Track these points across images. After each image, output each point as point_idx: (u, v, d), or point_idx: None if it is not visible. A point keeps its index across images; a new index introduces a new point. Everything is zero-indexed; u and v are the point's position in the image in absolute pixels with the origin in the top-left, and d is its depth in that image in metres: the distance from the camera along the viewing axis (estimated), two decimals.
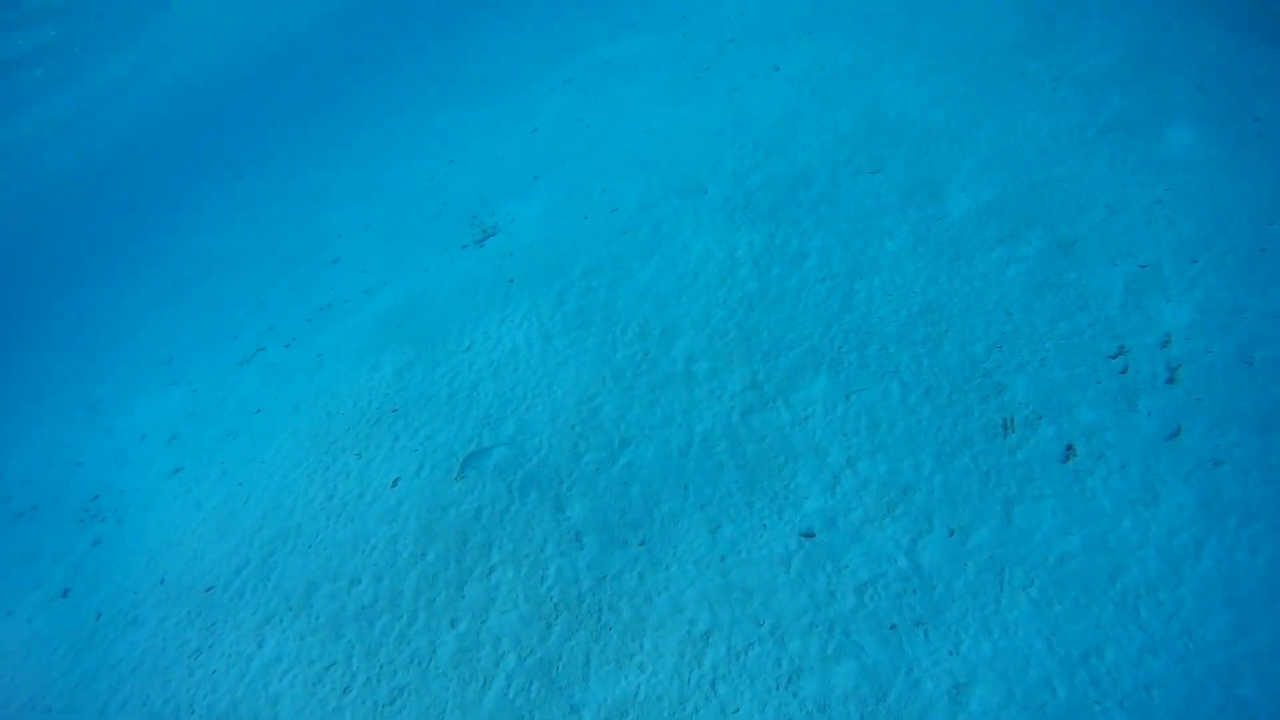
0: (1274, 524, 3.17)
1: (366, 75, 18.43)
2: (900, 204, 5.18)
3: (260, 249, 10.52)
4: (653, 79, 8.78)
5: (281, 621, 4.43)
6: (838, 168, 5.68)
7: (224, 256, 11.20)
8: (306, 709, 3.97)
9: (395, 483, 4.83)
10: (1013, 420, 3.78)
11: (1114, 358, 3.89)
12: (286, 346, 7.02)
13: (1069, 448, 3.61)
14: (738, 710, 3.27)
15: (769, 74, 7.47)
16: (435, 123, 11.70)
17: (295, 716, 3.96)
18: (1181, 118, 5.09)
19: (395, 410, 5.38)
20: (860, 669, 3.22)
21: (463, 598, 4.08)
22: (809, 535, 3.66)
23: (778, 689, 3.28)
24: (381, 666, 3.99)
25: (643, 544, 3.93)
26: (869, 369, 4.25)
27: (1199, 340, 3.81)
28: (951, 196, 5.11)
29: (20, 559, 6.37)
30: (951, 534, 3.47)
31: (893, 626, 3.31)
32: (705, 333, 4.84)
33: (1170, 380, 3.72)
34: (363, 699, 3.89)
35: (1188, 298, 4.02)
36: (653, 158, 6.87)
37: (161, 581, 5.12)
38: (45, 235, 23.23)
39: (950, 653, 3.16)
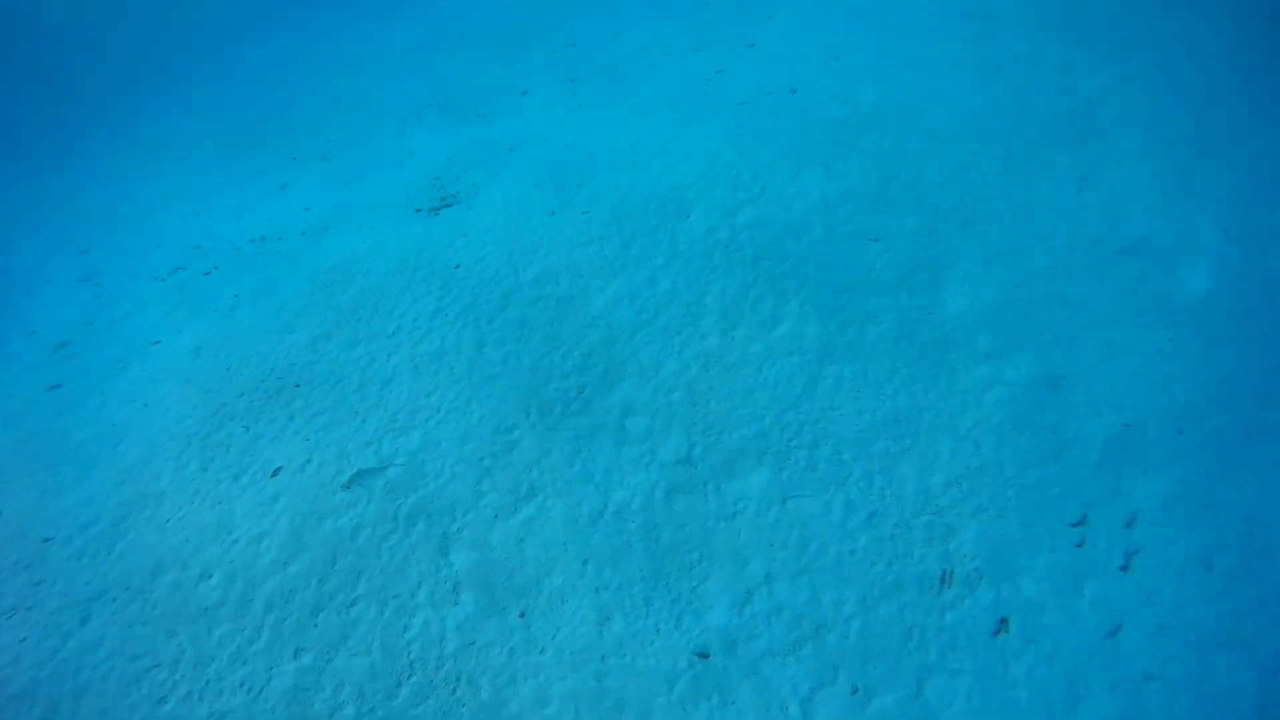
0: None
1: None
2: (894, 285, 4.86)
3: (216, 145, 9.87)
4: (662, 67, 8.31)
5: (115, 601, 4.05)
6: (836, 225, 5.32)
7: (181, 138, 10.52)
8: (113, 712, 3.61)
9: (277, 472, 4.44)
10: (952, 574, 3.51)
11: (1075, 525, 3.63)
12: (207, 274, 6.50)
13: (1003, 621, 3.35)
14: None
15: (784, 94, 7.06)
16: (424, 59, 11.03)
17: (97, 717, 3.61)
18: (1200, 260, 4.83)
19: (298, 385, 4.97)
20: None
21: (315, 626, 3.74)
22: (703, 655, 3.37)
23: None
24: (208, 683, 3.64)
25: (523, 616, 3.61)
26: (816, 474, 3.94)
27: (1164, 528, 3.57)
28: (949, 289, 4.80)
29: None
30: (855, 692, 3.20)
31: None
32: (651, 384, 4.50)
33: (1124, 567, 3.47)
34: (178, 716, 3.56)
35: (1164, 474, 3.77)
36: (641, 160, 6.44)
37: None
38: None
39: None
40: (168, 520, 4.34)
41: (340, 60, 13.01)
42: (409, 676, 3.49)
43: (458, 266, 5.69)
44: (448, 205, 6.59)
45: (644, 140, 6.82)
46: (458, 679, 3.45)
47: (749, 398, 4.33)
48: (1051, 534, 3.60)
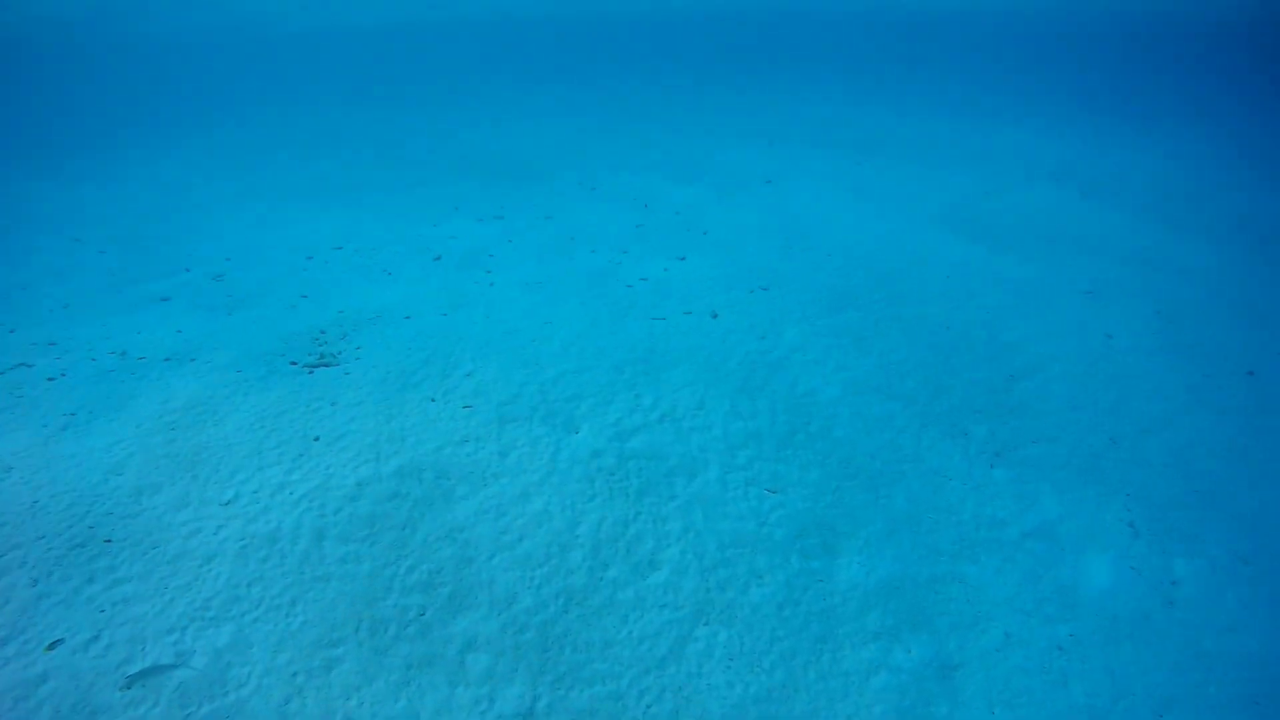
0: None
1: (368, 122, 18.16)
2: (785, 544, 4.60)
3: (107, 232, 9.52)
4: (584, 261, 8.45)
5: None
6: (733, 468, 5.13)
7: (72, 215, 10.14)
8: None
9: (54, 645, 3.77)
10: None
11: None
12: (50, 380, 5.97)
13: None
14: None
15: (704, 316, 7.14)
16: (346, 197, 11.16)
17: None
18: (1105, 553, 4.73)
19: (109, 541, 4.36)
20: None
21: None
22: None
23: None
24: None
25: None
26: None
27: None
28: (844, 556, 4.56)
29: None
30: None
31: None
32: (501, 618, 4.04)
33: None
34: None
35: None
36: (539, 359, 6.30)
37: None
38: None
39: None
40: None
41: (264, 172, 13.08)
42: None
43: (317, 439, 5.29)
44: (325, 364, 6.27)
45: (547, 337, 6.72)
46: None
47: (608, 651, 3.90)
48: None
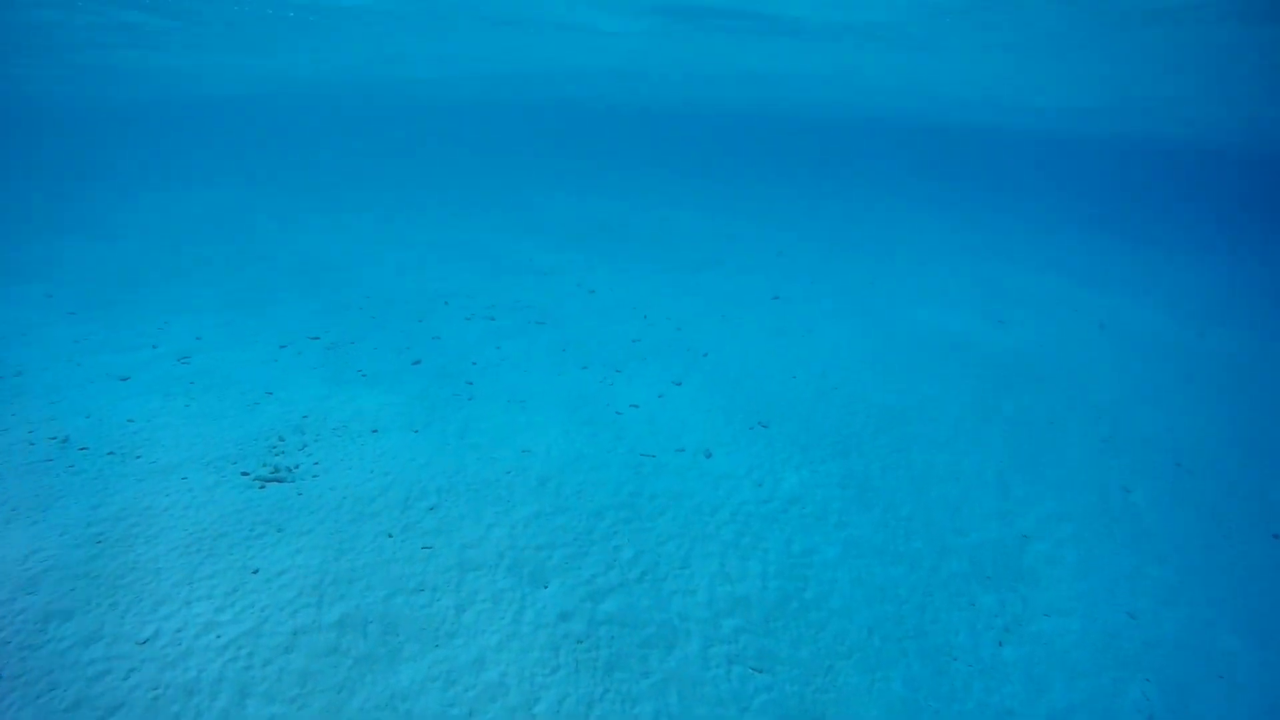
0: None
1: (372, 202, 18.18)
2: None
3: (77, 292, 9.23)
4: (573, 380, 8.13)
5: None
6: (717, 641, 4.69)
7: (63, 274, 9.86)
8: None
9: None
10: None
11: None
12: None
13: None
14: None
15: (697, 455, 6.78)
16: (341, 293, 10.92)
17: None
18: None
19: None
20: None
21: None
22: None
23: None
24: None
25: None
26: None
27: None
28: None
29: None
30: None
31: None
32: None
33: None
34: None
35: None
36: (513, 498, 5.89)
37: None
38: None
39: None
40: None
41: (256, 241, 12.85)
42: None
43: (256, 572, 4.86)
44: (278, 479, 5.87)
45: (524, 468, 6.33)
46: None
47: None
48: None
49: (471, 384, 8.00)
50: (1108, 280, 16.52)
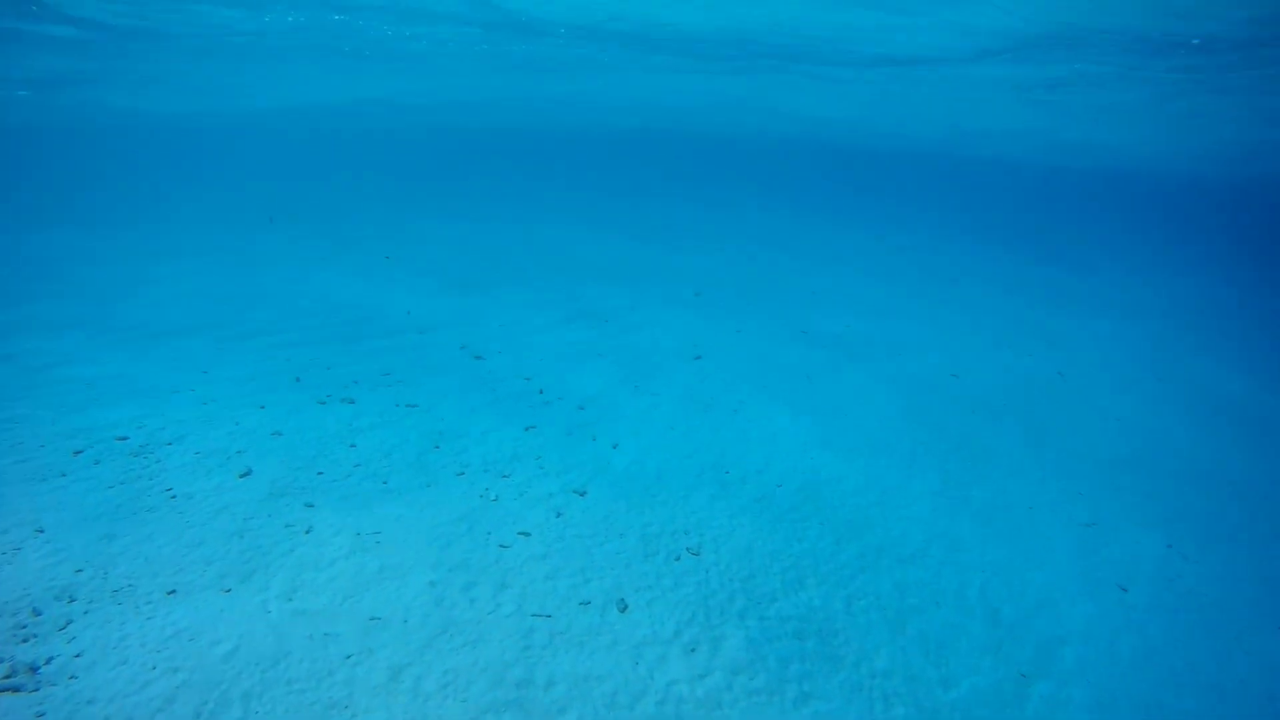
0: None
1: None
2: None
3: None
4: (442, 481, 6.54)
5: None
6: None
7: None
8: None
9: None
10: None
11: None
12: None
13: None
14: None
15: (606, 606, 5.35)
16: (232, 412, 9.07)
17: None
18: None
19: None
20: None
21: None
22: None
23: None
24: None
25: None
26: None
27: None
28: None
29: None
30: None
31: None
32: None
33: None
34: None
35: None
36: (354, 700, 4.35)
37: None
38: None
39: None
40: None
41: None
42: None
43: None
44: (13, 689, 4.23)
45: (369, 651, 4.68)
46: None
47: None
48: None
49: (311, 507, 6.36)
50: (1089, 340, 15.95)
